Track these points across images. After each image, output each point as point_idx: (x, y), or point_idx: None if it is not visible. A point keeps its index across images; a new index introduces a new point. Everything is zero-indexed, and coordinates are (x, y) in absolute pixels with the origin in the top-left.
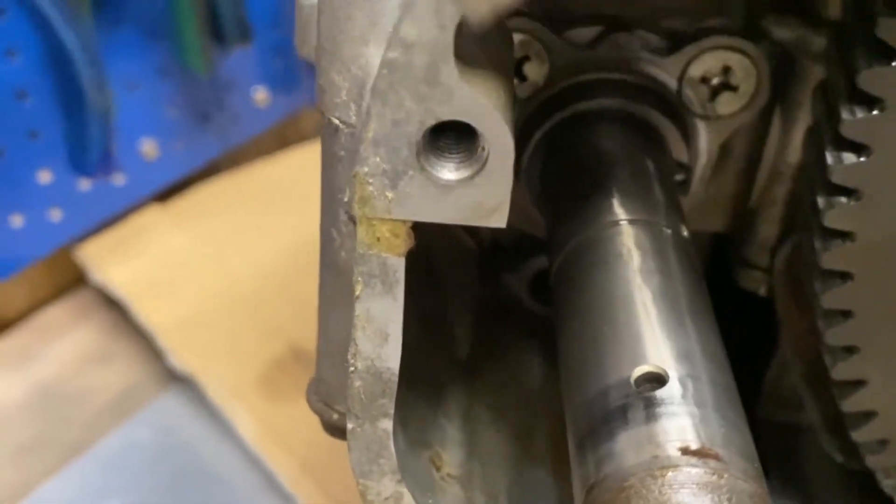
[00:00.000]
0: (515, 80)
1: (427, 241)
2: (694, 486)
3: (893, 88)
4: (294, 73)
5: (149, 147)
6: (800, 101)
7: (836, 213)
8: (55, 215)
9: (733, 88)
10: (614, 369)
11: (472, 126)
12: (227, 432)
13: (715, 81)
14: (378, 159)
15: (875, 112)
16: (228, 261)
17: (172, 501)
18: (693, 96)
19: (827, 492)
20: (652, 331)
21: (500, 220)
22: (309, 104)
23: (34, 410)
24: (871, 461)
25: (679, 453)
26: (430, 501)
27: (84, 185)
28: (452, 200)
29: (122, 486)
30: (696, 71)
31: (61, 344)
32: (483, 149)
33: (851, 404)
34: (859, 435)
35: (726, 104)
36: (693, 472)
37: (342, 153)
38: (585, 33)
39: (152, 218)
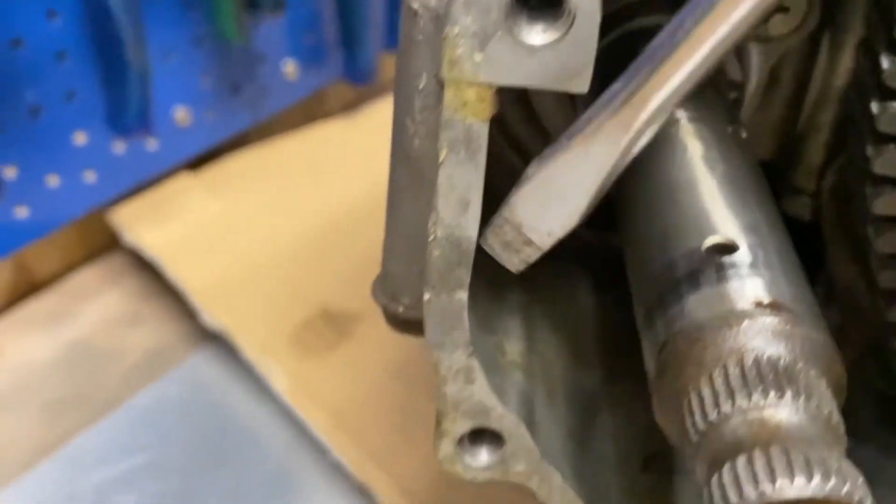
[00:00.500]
0: None
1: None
2: (769, 333)
3: None
4: (323, 48)
5: (182, 114)
6: (848, 26)
7: (885, 160)
8: (90, 177)
9: (785, 9)
10: (683, 242)
11: None
12: (259, 389)
13: None
14: (469, 19)
15: None
16: (259, 228)
17: (204, 456)
18: None
19: (869, 423)
20: (719, 208)
21: (582, 85)
22: (336, 79)
23: (67, 367)
24: None
25: (753, 306)
26: (497, 380)
27: (118, 147)
28: (538, 63)
29: (154, 440)
30: None
31: (93, 305)
32: (569, 12)
33: None
34: None
35: (778, 25)
36: (767, 320)
37: (420, 37)
38: None
39: (184, 185)
